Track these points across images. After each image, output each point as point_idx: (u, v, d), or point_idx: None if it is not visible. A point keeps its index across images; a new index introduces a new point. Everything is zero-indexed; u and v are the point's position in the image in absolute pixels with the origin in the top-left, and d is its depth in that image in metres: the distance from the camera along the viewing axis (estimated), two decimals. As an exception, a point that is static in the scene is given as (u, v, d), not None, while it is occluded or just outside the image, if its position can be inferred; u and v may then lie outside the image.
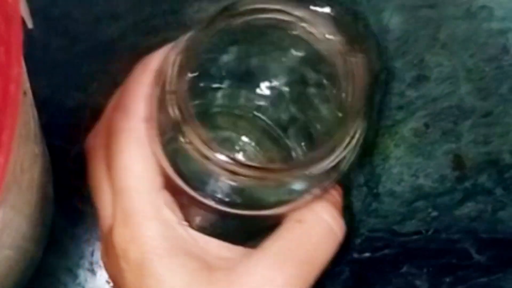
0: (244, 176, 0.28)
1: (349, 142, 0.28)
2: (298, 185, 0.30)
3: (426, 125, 0.44)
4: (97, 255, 0.41)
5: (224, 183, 0.30)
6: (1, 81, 0.22)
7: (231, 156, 0.28)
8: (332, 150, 0.28)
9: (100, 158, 0.34)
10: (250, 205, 0.31)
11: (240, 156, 0.33)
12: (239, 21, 0.29)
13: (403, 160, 0.43)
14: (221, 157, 0.28)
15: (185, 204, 0.32)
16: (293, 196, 0.31)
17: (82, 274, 0.40)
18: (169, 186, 0.32)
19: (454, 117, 0.43)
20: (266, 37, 0.31)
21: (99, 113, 0.42)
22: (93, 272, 0.41)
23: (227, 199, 0.31)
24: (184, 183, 0.31)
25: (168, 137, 0.30)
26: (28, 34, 0.24)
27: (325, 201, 0.33)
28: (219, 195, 0.31)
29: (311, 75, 0.32)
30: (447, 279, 0.42)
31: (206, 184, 0.30)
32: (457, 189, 0.43)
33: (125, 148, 0.32)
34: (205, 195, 0.31)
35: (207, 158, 0.28)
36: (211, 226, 0.33)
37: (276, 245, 0.32)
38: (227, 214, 0.31)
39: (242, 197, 0.31)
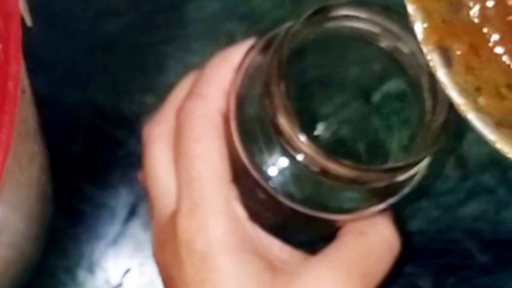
0: (336, 175, 0.28)
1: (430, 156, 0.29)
2: (371, 194, 0.31)
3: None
4: (97, 255, 0.41)
5: (304, 180, 0.30)
6: (0, 79, 0.22)
7: (329, 154, 0.27)
8: (420, 160, 0.29)
9: (163, 146, 0.33)
10: (321, 207, 0.31)
11: None
12: (328, 25, 0.29)
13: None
14: (318, 153, 0.27)
15: (247, 201, 0.32)
16: (362, 204, 0.31)
17: (82, 274, 0.40)
18: (235, 181, 0.31)
19: (456, 116, 0.43)
20: (345, 47, 0.31)
21: (100, 111, 0.41)
22: (92, 272, 0.41)
23: (299, 197, 0.30)
24: (260, 177, 0.30)
25: (250, 130, 0.30)
26: (27, 32, 0.24)
27: (385, 216, 0.33)
28: (292, 192, 0.30)
29: (390, 89, 0.32)
30: (450, 279, 0.42)
31: (282, 180, 0.30)
32: (459, 188, 0.43)
33: (202, 136, 0.31)
34: (276, 191, 0.30)
35: (299, 151, 0.28)
36: (271, 226, 0.33)
37: (340, 254, 0.31)
38: (292, 214, 0.31)
39: (316, 197, 0.30)
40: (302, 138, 0.27)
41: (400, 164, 0.28)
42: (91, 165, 0.41)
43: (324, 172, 0.28)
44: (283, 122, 0.27)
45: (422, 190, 0.43)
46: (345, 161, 0.27)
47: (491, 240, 0.43)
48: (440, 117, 0.29)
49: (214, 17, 0.43)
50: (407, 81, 0.30)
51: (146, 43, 0.42)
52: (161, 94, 0.41)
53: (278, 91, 0.27)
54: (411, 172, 0.29)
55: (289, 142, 0.28)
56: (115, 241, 0.41)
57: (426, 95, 0.29)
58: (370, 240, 0.32)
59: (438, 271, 0.42)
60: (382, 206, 0.31)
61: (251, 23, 0.43)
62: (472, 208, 0.43)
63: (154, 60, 0.42)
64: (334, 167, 0.27)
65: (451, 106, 0.28)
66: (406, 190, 0.31)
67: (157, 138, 0.33)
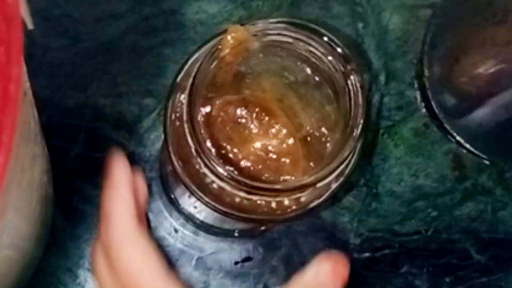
0: (263, 194, 0.31)
1: (352, 152, 0.31)
2: (307, 194, 0.33)
3: (426, 125, 0.44)
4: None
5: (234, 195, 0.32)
6: (1, 81, 0.22)
7: (251, 183, 0.30)
8: (339, 164, 0.31)
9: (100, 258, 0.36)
10: (250, 212, 0.33)
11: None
12: (267, 38, 0.32)
13: (403, 160, 0.43)
14: (242, 183, 0.30)
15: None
16: (292, 204, 0.33)
17: (82, 274, 0.41)
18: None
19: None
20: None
21: (100, 113, 0.42)
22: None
23: (233, 207, 0.33)
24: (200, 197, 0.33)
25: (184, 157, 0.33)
26: (28, 35, 0.24)
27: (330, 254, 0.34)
28: (224, 204, 0.33)
29: (314, 92, 0.34)
30: (447, 279, 0.42)
31: (214, 197, 0.32)
32: (457, 189, 0.43)
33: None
34: (212, 205, 0.33)
35: (223, 180, 0.31)
36: (215, 218, 0.36)
37: None
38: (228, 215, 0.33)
39: (246, 206, 0.33)
40: (226, 174, 0.30)
41: (315, 178, 0.31)
42: (91, 166, 0.41)
43: (250, 193, 0.31)
44: (203, 154, 0.30)
45: (420, 190, 0.43)
46: (266, 185, 0.31)
47: (489, 240, 0.43)
48: (356, 118, 0.31)
49: (212, 20, 0.43)
50: (328, 84, 0.33)
51: (145, 46, 0.42)
52: (160, 96, 0.42)
53: (207, 152, 0.30)
54: (330, 178, 0.31)
55: (212, 171, 0.31)
56: (115, 242, 0.41)
57: (342, 95, 0.32)
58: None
59: (435, 271, 0.42)
60: (314, 204, 0.33)
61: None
62: (469, 208, 0.43)
63: (154, 63, 0.42)
64: (257, 192, 0.31)
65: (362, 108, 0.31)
66: (333, 187, 0.33)
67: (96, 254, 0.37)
